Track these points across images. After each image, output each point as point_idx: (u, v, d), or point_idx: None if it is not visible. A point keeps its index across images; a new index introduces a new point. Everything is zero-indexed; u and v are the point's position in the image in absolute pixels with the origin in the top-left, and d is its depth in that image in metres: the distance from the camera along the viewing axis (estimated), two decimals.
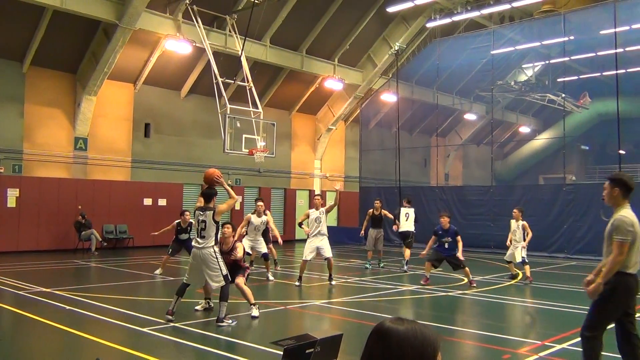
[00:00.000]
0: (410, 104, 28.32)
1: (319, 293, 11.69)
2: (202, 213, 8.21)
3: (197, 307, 9.12)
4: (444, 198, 23.17)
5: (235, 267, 8.85)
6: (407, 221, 15.88)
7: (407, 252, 15.30)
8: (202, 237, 8.16)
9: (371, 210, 16.08)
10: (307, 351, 2.72)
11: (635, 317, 5.18)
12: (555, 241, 19.68)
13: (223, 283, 8.17)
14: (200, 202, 8.38)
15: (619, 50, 19.90)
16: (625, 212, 5.12)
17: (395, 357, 1.71)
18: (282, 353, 2.69)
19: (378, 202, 16.33)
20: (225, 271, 8.20)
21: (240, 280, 8.69)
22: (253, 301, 8.64)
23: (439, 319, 9.07)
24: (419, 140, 30.32)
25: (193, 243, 8.33)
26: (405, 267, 14.94)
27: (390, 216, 16.25)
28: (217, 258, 8.18)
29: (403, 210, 16.09)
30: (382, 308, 9.90)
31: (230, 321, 8.13)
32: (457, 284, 12.64)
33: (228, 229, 8.85)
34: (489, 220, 20.84)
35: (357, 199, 26.48)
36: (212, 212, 8.19)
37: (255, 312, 8.58)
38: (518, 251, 13.12)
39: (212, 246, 8.18)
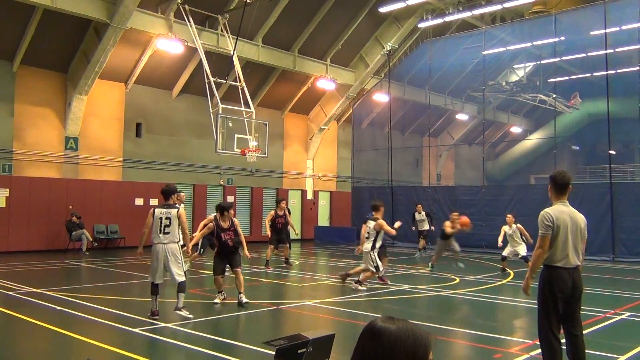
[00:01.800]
0: (402, 104, 28.38)
1: (312, 293, 11.68)
2: (167, 211, 8.54)
3: (216, 301, 9.62)
4: (436, 198, 23.24)
5: (233, 252, 9.64)
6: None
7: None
8: (166, 234, 8.48)
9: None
10: (299, 351, 2.71)
11: (574, 315, 5.23)
12: None
13: (184, 278, 8.59)
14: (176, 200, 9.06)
15: (609, 50, 20.03)
16: (552, 207, 5.30)
17: (387, 356, 1.71)
18: (274, 353, 2.68)
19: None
20: (186, 267, 8.72)
21: (239, 270, 9.67)
22: (242, 290, 9.53)
23: (431, 318, 9.09)
24: (411, 140, 30.39)
25: (155, 240, 8.54)
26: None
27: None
28: (180, 253, 8.62)
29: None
30: (375, 308, 9.91)
31: (186, 312, 8.46)
32: (448, 283, 12.68)
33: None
34: (481, 220, 20.88)
35: (349, 199, 26.52)
36: (177, 210, 8.58)
37: (245, 298, 9.50)
38: (521, 247, 13.93)
39: (178, 242, 8.58)
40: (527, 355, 6.59)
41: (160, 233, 8.48)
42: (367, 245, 11.43)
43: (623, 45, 21.47)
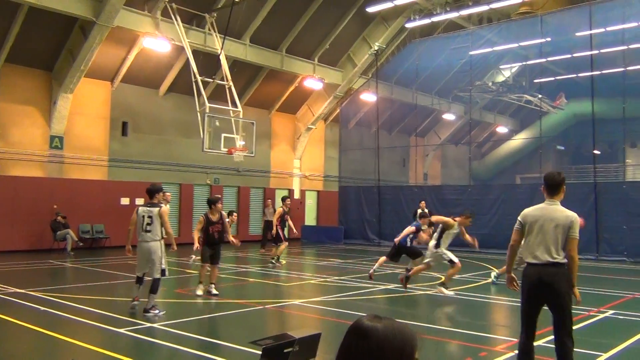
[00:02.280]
0: (390, 103, 28.45)
1: (299, 293, 11.68)
2: (149, 209, 8.70)
3: (198, 292, 10.15)
4: (423, 197, 23.30)
5: (218, 243, 10.50)
6: None
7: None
8: (148, 232, 8.62)
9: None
10: (285, 350, 2.71)
11: (555, 317, 5.26)
12: None
13: (159, 276, 8.66)
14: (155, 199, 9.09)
15: (595, 52, 20.25)
16: (534, 206, 5.43)
17: (374, 355, 1.70)
18: (260, 352, 2.68)
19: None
20: (164, 266, 8.74)
21: (217, 266, 10.74)
22: (214, 281, 10.46)
23: (417, 317, 9.13)
24: (398, 139, 30.47)
25: (139, 237, 8.72)
26: None
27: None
28: (162, 252, 8.71)
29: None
30: (361, 307, 9.92)
31: (157, 311, 8.53)
32: (435, 282, 12.73)
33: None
34: None
35: (336, 198, 26.54)
36: (158, 209, 8.69)
37: (214, 290, 10.33)
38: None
39: (159, 240, 8.68)
40: (512, 353, 6.63)
41: (142, 231, 8.64)
42: (432, 243, 11.21)
43: (608, 46, 21.70)
